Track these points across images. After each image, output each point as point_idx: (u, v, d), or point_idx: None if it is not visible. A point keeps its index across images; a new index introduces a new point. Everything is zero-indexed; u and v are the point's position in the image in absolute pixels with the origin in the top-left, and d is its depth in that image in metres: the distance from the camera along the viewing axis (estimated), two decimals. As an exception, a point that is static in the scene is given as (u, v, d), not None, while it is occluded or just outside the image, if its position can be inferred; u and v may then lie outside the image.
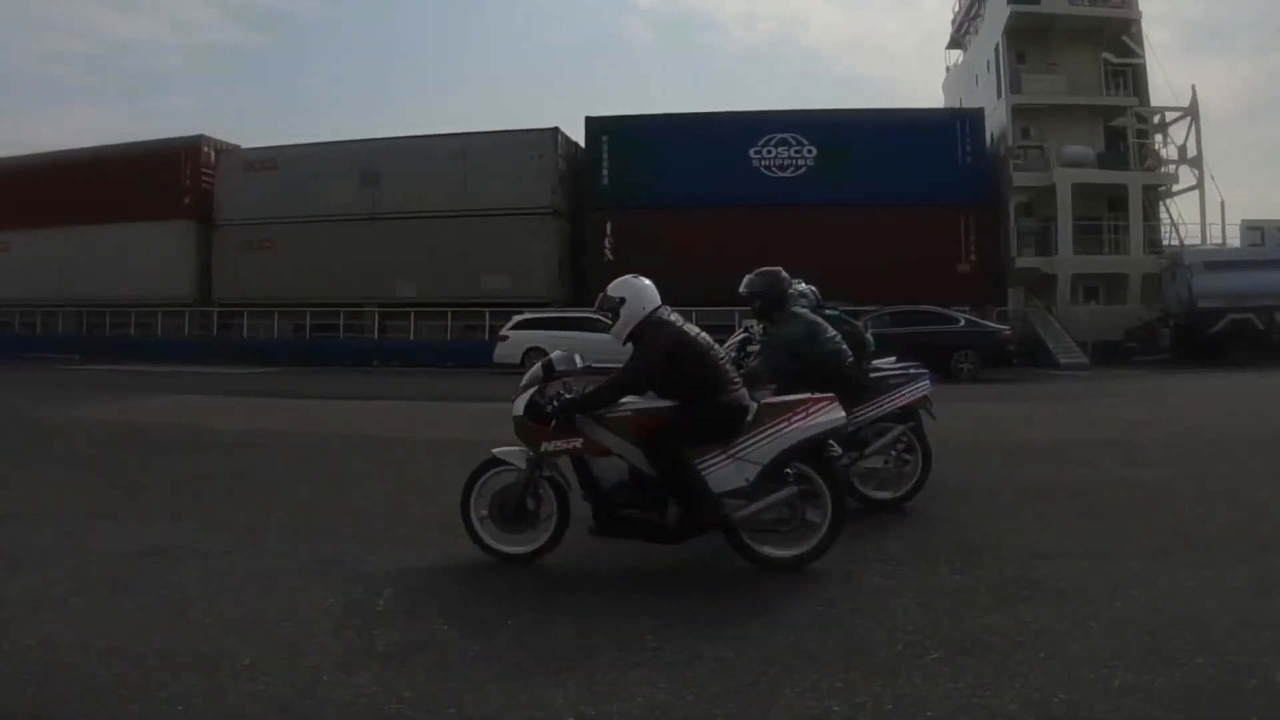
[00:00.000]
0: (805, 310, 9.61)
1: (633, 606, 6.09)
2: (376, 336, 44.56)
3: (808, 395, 7.22)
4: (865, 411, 9.32)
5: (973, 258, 41.97)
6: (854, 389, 9.08)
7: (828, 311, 10.91)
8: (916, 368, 10.49)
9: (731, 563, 7.08)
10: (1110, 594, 6.19)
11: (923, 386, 9.80)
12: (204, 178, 48.49)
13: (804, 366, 8.87)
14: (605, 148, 44.29)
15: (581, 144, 45.53)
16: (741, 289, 9.60)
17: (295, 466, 12.66)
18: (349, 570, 7.07)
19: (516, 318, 36.49)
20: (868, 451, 9.32)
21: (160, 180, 47.54)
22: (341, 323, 45.30)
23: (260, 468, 12.57)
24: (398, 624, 5.84)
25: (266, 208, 46.20)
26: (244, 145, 50.46)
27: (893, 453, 9.44)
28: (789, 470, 7.05)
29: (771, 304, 9.45)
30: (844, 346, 9.41)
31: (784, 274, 9.57)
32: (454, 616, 5.94)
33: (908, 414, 9.74)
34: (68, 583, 6.72)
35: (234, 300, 46.79)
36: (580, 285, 43.41)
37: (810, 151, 43.04)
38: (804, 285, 11.22)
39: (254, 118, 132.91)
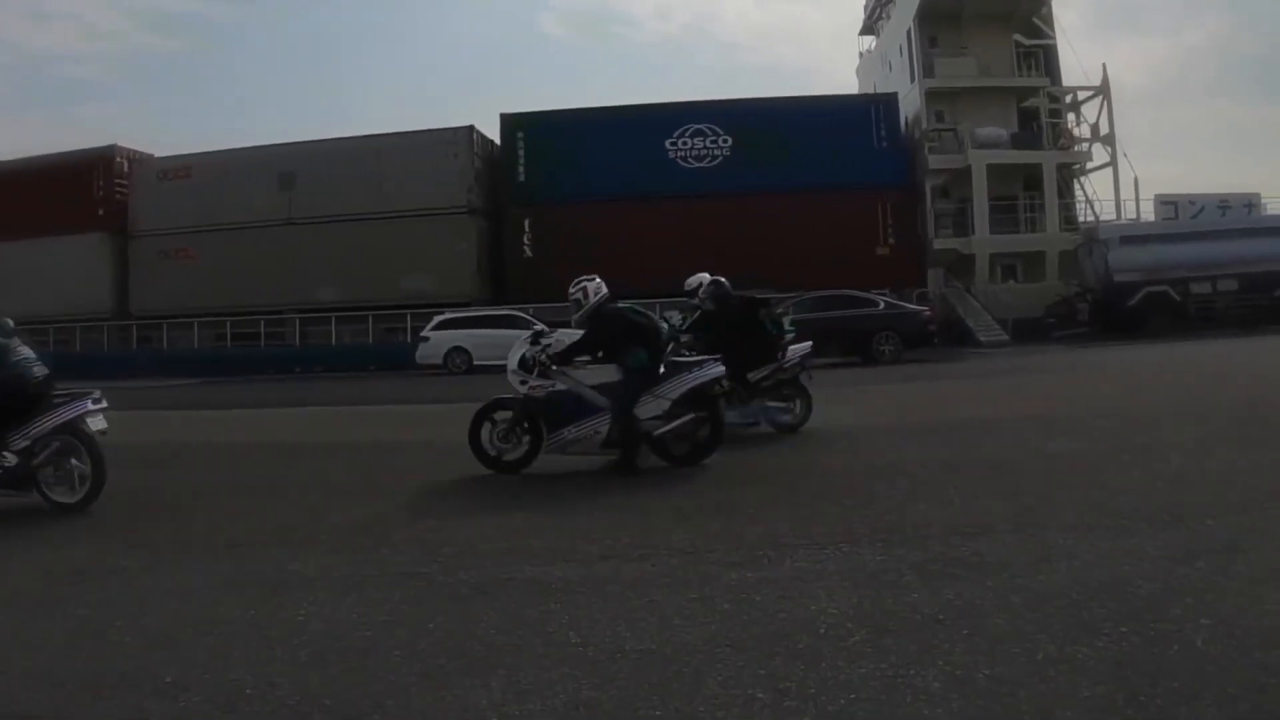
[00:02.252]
0: None
1: (556, 604, 6.00)
2: (298, 343, 44.22)
3: None
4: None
5: (891, 241, 42.41)
6: (36, 406, 10.41)
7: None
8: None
9: (653, 555, 7.07)
10: (1034, 567, 6.20)
11: None
12: (118, 188, 47.88)
13: None
14: (521, 144, 44.29)
15: (497, 141, 45.37)
16: None
17: (218, 478, 12.51)
18: (271, 580, 6.96)
19: (438, 318, 36.45)
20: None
21: (73, 193, 46.82)
22: (262, 330, 44.93)
23: (182, 481, 12.40)
24: (320, 631, 5.72)
25: (183, 216, 45.68)
26: (166, 153, 49.66)
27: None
28: None
29: None
30: (32, 369, 10.49)
31: None
32: (376, 621, 5.84)
33: None
34: (-15, 606, 6.59)
35: (153, 312, 46.25)
36: (501, 283, 43.38)
37: (726, 141, 43.26)
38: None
39: (175, 124, 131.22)
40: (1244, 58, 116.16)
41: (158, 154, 49.92)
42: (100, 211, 47.50)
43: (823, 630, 5.24)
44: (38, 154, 49.07)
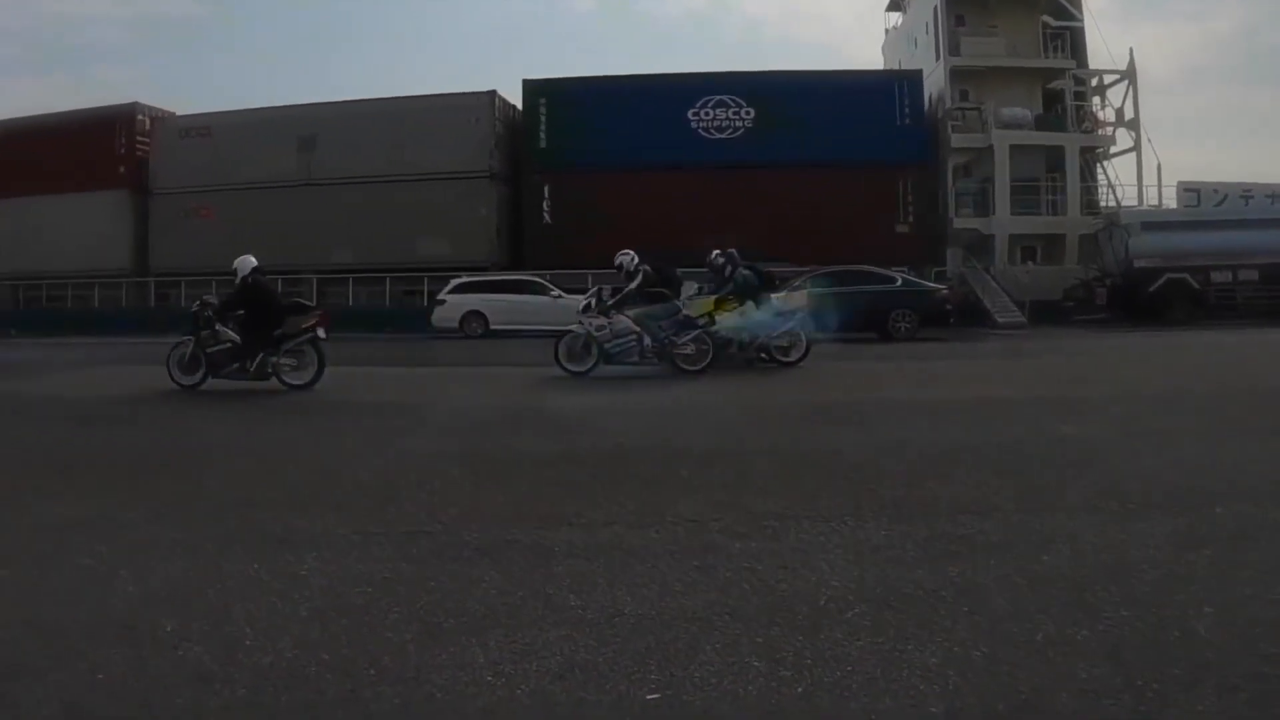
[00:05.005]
0: None
1: (558, 567, 6.03)
2: (315, 303, 44.25)
3: None
4: None
5: (911, 218, 42.22)
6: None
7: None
8: None
9: (658, 522, 7.08)
10: (1038, 548, 6.19)
11: None
12: (139, 146, 47.78)
13: None
14: (543, 111, 44.13)
15: (519, 107, 45.29)
16: None
17: (228, 435, 12.57)
18: (275, 536, 6.97)
19: (455, 281, 36.48)
20: None
21: (95, 150, 46.66)
22: (280, 290, 44.91)
23: (193, 436, 12.50)
24: (321, 588, 5.74)
25: (203, 175, 45.54)
26: (183, 114, 49.62)
27: None
28: None
29: None
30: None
31: None
32: (377, 579, 5.86)
33: None
34: (-9, 557, 6.61)
35: (171, 270, 46.24)
36: (519, 249, 43.35)
37: (748, 113, 43.04)
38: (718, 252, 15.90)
39: (194, 87, 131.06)
40: (1270, 46, 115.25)
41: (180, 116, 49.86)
42: (121, 169, 47.38)
43: (823, 603, 5.24)
44: (61, 110, 49.09)
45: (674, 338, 18.88)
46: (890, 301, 30.79)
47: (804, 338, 20.15)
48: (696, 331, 18.98)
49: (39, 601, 5.62)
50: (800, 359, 20.00)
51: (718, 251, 21.07)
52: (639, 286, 19.05)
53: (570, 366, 18.64)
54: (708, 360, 18.81)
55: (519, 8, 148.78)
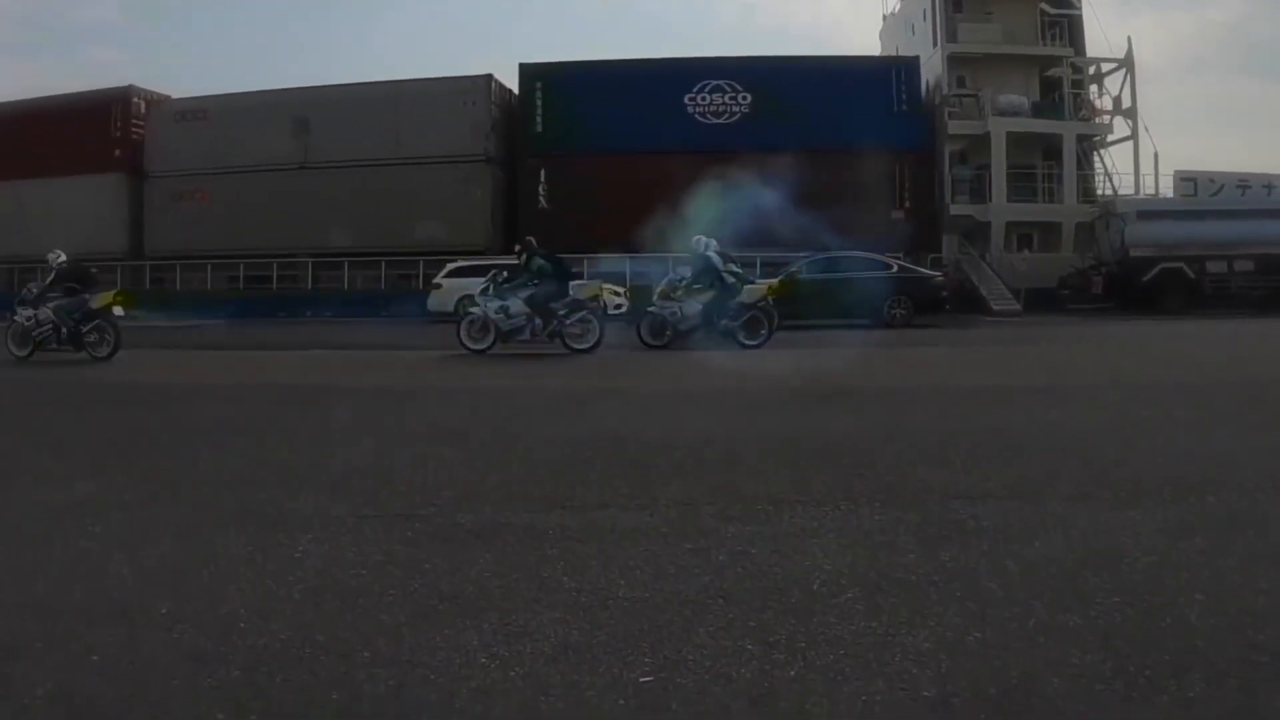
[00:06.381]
0: None
1: (552, 549, 6.03)
2: (310, 287, 44.28)
3: None
4: None
5: (907, 205, 42.30)
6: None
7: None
8: None
9: (651, 505, 7.09)
10: (1030, 535, 6.19)
11: None
12: (134, 129, 47.88)
13: None
14: (539, 95, 44.20)
15: (515, 91, 45.26)
16: None
17: (224, 417, 12.53)
18: (270, 518, 6.96)
19: (450, 266, 36.45)
20: None
21: (90, 133, 46.81)
22: (275, 274, 44.99)
23: (188, 419, 12.44)
24: (316, 569, 5.73)
25: (198, 158, 45.70)
26: (178, 97, 49.58)
27: None
28: None
29: None
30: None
31: None
32: (372, 561, 5.86)
33: None
34: (-16, 539, 6.60)
35: (167, 253, 46.28)
36: (515, 234, 43.31)
37: (745, 98, 43.13)
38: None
39: (188, 70, 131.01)
40: (1268, 36, 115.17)
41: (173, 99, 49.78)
42: (117, 152, 47.52)
43: (816, 587, 5.24)
44: (55, 93, 49.05)
45: (81, 326, 20.75)
46: (885, 288, 30.81)
47: (597, 325, 21.80)
48: (97, 321, 20.97)
49: (33, 582, 5.60)
50: (592, 347, 21.29)
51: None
52: (54, 280, 21.55)
53: (15, 351, 20.98)
54: (112, 348, 20.70)
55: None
